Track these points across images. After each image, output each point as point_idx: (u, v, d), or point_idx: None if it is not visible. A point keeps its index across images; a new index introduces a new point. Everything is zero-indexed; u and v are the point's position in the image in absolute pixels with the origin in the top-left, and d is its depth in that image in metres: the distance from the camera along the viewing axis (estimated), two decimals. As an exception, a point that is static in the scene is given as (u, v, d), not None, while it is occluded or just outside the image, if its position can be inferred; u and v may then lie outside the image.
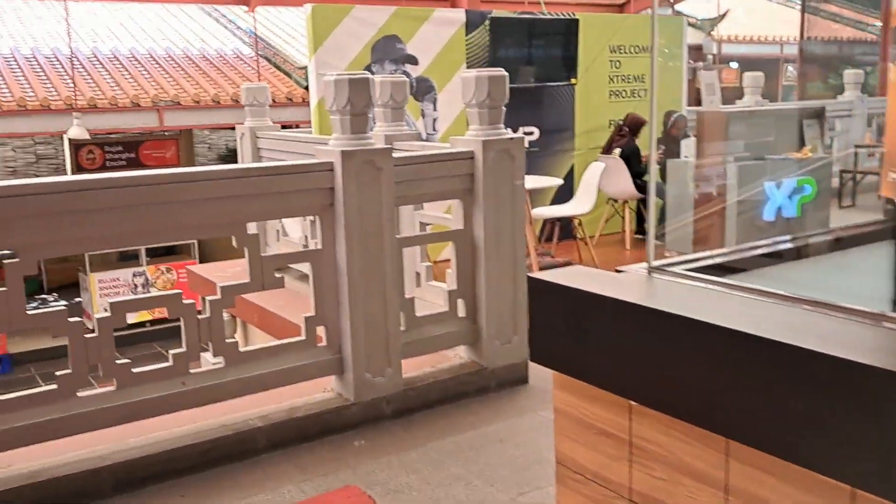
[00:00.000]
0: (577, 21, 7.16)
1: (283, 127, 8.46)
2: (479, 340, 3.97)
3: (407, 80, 4.79)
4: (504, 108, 3.93)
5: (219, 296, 3.27)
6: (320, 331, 3.55)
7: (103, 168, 13.28)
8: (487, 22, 6.70)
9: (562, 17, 7.20)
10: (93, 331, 3.00)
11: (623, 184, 7.04)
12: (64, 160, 14.79)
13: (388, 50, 6.28)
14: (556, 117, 7.29)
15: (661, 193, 7.38)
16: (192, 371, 3.23)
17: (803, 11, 15.91)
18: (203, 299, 3.26)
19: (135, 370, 3.11)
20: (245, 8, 12.36)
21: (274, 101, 8.46)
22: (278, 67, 13.05)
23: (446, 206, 4.28)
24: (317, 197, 3.43)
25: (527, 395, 3.99)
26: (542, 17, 7.07)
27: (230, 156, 18.69)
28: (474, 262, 3.92)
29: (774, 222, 6.71)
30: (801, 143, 7.16)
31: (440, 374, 3.88)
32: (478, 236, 3.87)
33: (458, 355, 4.09)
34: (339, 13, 6.09)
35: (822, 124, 7.23)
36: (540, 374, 4.20)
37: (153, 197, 3.01)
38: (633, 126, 7.28)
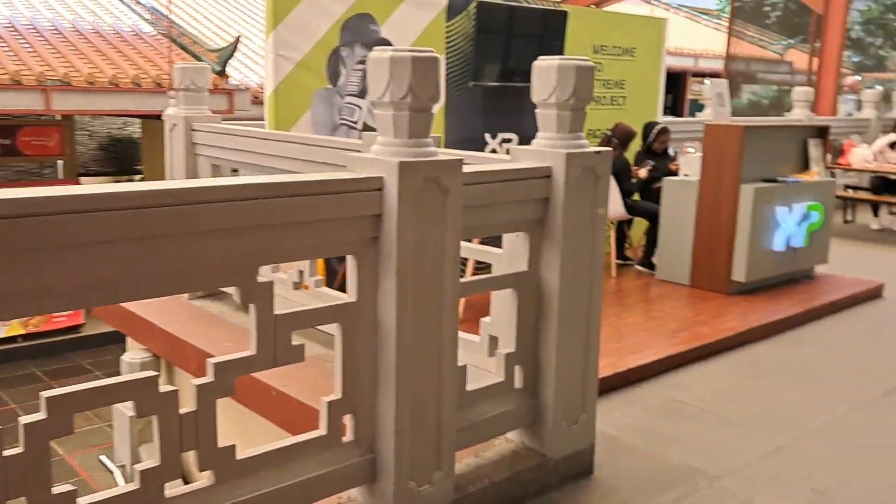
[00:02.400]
0: (565, 14, 6.28)
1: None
2: (541, 421, 2.97)
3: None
4: (586, 112, 2.95)
5: (211, 378, 2.11)
6: (347, 420, 2.44)
7: (-31, 155, 11.30)
8: (473, 7, 5.70)
9: (550, 8, 6.29)
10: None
11: (612, 203, 6.20)
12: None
13: (360, 31, 5.16)
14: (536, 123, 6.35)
15: (646, 214, 6.65)
16: (168, 495, 2.06)
17: (730, 32, 15.87)
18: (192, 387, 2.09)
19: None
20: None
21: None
22: (185, 49, 11.50)
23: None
24: (356, 228, 2.32)
25: (599, 495, 3.02)
26: (529, 6, 6.13)
27: (114, 145, 16.72)
28: (540, 315, 2.91)
29: (785, 253, 6.02)
30: (806, 164, 6.58)
31: (494, 472, 2.84)
32: (548, 282, 2.86)
33: (507, 439, 3.07)
34: (306, -19, 4.93)
35: (826, 143, 6.66)
36: (607, 462, 3.24)
37: (158, 225, 1.83)
38: (622, 137, 6.46)
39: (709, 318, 5.20)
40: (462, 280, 2.58)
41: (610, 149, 2.98)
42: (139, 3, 12.97)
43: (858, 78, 21.52)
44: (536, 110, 2.92)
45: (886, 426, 3.75)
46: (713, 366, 4.54)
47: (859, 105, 14.74)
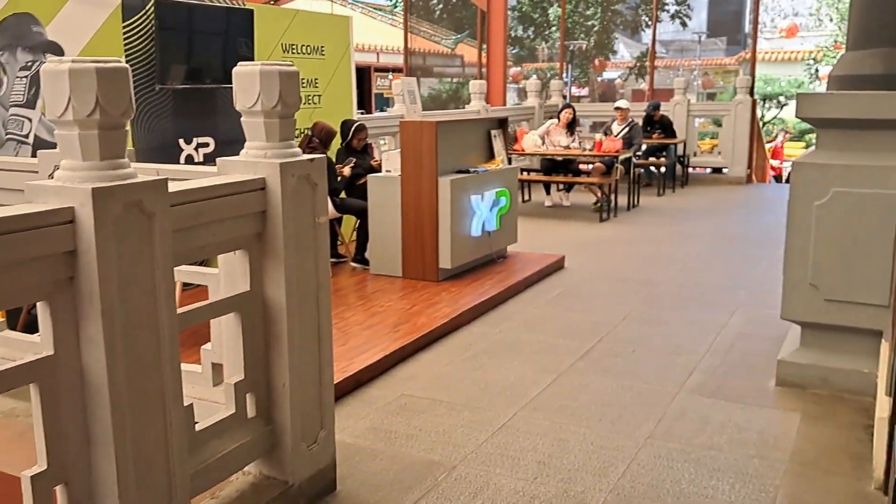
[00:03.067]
0: (251, 12, 6.04)
1: None
2: (280, 447, 2.81)
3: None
4: (295, 119, 2.83)
5: None
6: (58, 491, 2.09)
7: None
8: (151, 6, 5.24)
9: (236, 6, 6.01)
10: None
11: (319, 203, 6.14)
12: None
13: (20, 33, 4.50)
14: (233, 125, 5.98)
15: (354, 211, 6.69)
16: None
17: (406, 28, 16.61)
18: None
19: None
20: None
21: None
22: None
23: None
24: (45, 270, 1.98)
25: (346, 510, 2.95)
26: (214, 4, 5.80)
27: None
28: (268, 336, 2.75)
29: (481, 237, 6.42)
30: (491, 153, 7.05)
31: (236, 510, 2.64)
32: (274, 300, 2.71)
33: (245, 473, 2.86)
34: (-61, -27, 4.16)
35: (506, 133, 7.20)
36: (350, 473, 3.19)
37: None
38: (323, 136, 6.42)
39: (424, 307, 5.37)
40: (180, 311, 2.34)
41: (324, 155, 2.90)
42: None
43: (518, 69, 23.81)
44: (242, 119, 2.75)
45: (588, 388, 4.15)
46: (434, 353, 4.70)
47: (523, 94, 16.28)
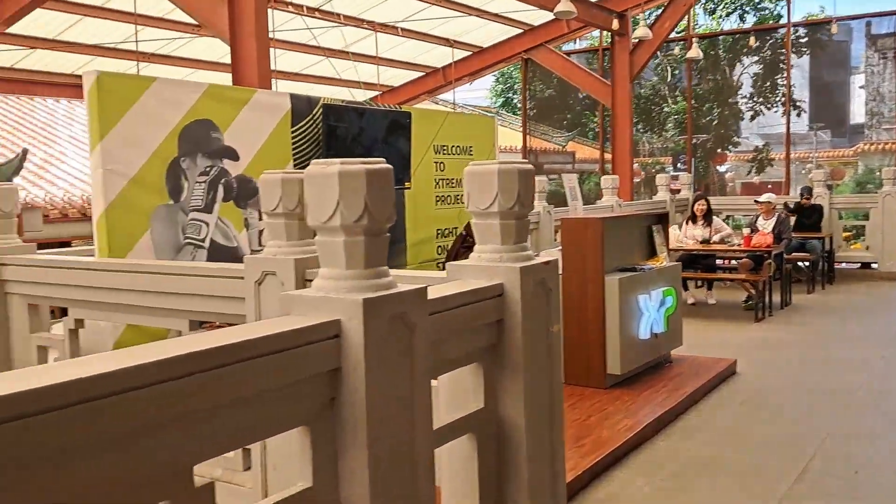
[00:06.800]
0: (410, 115, 6.05)
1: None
2: (515, 589, 2.45)
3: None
4: (529, 220, 2.60)
5: None
6: None
7: None
8: (320, 109, 5.30)
9: (395, 108, 6.03)
10: None
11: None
12: None
13: (200, 139, 4.56)
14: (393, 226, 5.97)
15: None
16: None
17: (525, 129, 16.74)
18: None
19: None
20: None
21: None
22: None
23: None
24: (312, 393, 1.76)
25: None
26: (376, 107, 5.83)
27: None
28: (501, 463, 2.44)
29: (649, 340, 5.98)
30: (653, 250, 6.69)
31: None
32: (511, 422, 2.42)
33: None
34: (136, 87, 4.26)
35: (667, 229, 6.85)
36: None
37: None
38: (478, 237, 6.25)
39: (600, 418, 4.96)
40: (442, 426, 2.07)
41: (556, 258, 2.65)
42: None
43: (636, 165, 23.56)
44: (472, 221, 2.53)
45: (819, 518, 3.62)
46: (626, 472, 4.26)
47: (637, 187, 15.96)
